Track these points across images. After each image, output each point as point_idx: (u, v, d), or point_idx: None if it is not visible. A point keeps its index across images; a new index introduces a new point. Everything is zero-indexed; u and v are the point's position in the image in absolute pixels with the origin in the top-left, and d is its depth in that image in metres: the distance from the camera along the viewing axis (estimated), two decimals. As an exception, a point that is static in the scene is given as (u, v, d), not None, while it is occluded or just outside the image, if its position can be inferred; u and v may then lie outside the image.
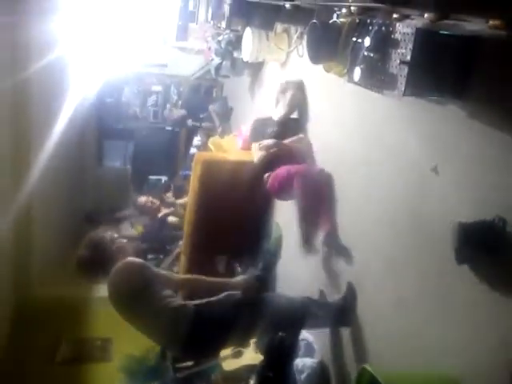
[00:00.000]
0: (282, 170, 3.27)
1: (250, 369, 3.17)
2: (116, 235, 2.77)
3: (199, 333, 2.50)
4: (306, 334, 3.13)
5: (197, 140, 6.17)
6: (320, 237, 3.05)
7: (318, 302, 2.93)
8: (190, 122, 6.40)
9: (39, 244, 4.88)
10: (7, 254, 4.38)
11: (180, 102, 6.68)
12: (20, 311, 4.56)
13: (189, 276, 2.88)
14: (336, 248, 2.91)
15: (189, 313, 2.51)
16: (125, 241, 2.78)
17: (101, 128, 6.83)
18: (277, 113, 3.63)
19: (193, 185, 4.15)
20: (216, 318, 2.52)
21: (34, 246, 4.82)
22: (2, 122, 4.15)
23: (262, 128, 3.76)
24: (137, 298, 2.53)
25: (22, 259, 4.65)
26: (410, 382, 1.93)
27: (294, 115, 3.67)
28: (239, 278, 2.81)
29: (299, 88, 3.60)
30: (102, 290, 4.82)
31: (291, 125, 3.61)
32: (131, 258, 2.60)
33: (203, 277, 2.66)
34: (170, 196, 5.63)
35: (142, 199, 5.39)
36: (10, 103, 4.24)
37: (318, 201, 3.06)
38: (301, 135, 3.49)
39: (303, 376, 2.86)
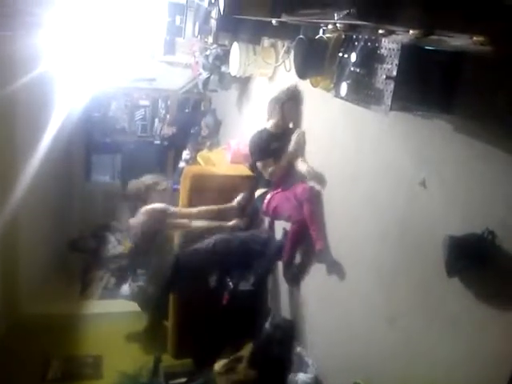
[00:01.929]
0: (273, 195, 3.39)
1: (244, 384, 3.15)
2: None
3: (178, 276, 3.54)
4: (299, 349, 3.11)
5: (185, 154, 6.15)
6: (313, 254, 3.08)
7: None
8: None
9: (26, 262, 4.82)
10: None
11: (168, 117, 6.69)
12: (9, 330, 4.49)
13: (199, 208, 3.82)
14: (329, 264, 2.91)
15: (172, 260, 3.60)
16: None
17: (89, 142, 6.81)
18: (273, 124, 3.53)
19: (182, 198, 4.14)
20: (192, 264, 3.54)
21: (20, 264, 4.76)
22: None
23: (261, 142, 3.65)
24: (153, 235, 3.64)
25: (9, 276, 4.59)
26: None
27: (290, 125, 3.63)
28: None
29: (294, 96, 3.58)
30: (92, 307, 4.77)
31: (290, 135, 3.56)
32: (155, 204, 3.65)
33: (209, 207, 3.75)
34: None
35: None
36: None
37: (308, 220, 3.07)
38: (289, 151, 3.45)
39: (297, 391, 2.84)
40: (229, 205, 3.95)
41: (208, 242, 3.56)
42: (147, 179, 4.81)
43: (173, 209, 3.89)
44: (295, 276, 3.32)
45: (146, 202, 4.14)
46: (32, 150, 4.62)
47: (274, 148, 3.48)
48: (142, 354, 4.34)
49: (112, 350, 4.47)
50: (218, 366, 3.23)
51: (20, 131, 4.59)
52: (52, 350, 4.53)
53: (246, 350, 3.12)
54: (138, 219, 3.83)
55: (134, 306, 4.72)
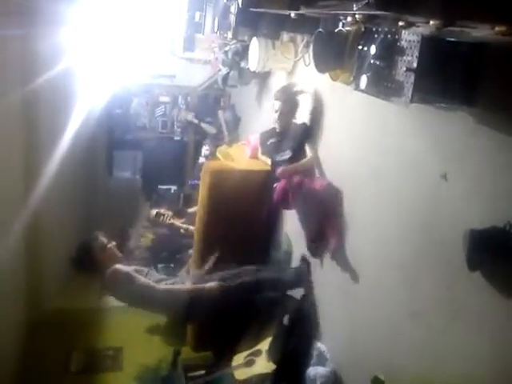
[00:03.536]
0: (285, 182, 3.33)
1: (262, 378, 3.16)
2: (106, 240, 3.19)
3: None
4: (318, 344, 3.12)
5: (205, 149, 6.19)
6: (328, 251, 3.08)
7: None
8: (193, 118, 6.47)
9: (49, 258, 4.91)
10: (18, 268, 4.42)
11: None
12: (32, 325, 4.59)
13: (167, 287, 3.15)
14: (349, 260, 2.91)
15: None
16: (114, 244, 3.22)
17: (110, 139, 6.90)
18: (274, 121, 3.72)
19: (202, 194, 4.16)
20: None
21: (44, 260, 4.85)
22: (12, 135, 4.19)
23: (267, 140, 3.80)
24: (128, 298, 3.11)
25: (33, 272, 4.68)
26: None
27: (302, 121, 3.67)
28: (210, 284, 3.16)
29: (287, 94, 3.68)
30: (113, 301, 4.85)
31: (297, 131, 3.60)
32: (118, 268, 3.03)
33: (179, 287, 3.13)
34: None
35: (154, 212, 5.41)
36: (19, 115, 4.29)
37: (323, 215, 3.07)
38: (310, 156, 3.48)
39: (316, 385, 2.85)
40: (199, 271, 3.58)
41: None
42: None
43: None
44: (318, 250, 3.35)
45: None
46: (54, 146, 4.70)
47: (270, 143, 3.73)
48: (161, 347, 4.39)
49: (132, 343, 4.54)
50: (237, 359, 3.25)
51: (43, 128, 4.68)
52: (74, 343, 4.63)
53: (265, 344, 3.13)
54: None
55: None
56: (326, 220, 3.06)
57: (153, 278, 3.16)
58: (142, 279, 3.05)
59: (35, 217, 4.44)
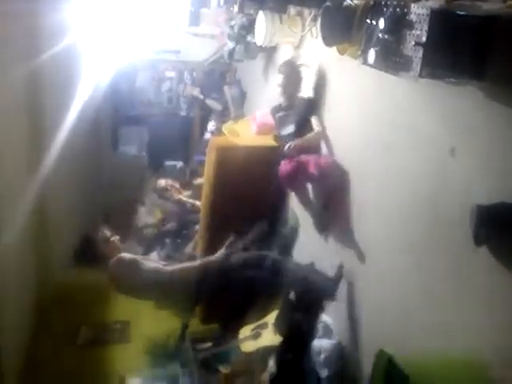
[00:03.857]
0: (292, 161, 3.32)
1: (268, 350, 3.22)
2: (109, 233, 3.07)
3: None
4: (324, 317, 3.16)
5: (211, 125, 6.18)
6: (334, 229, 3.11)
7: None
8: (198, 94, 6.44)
9: (57, 234, 4.96)
10: (26, 244, 4.47)
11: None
12: (42, 300, 4.67)
13: (177, 266, 3.09)
14: (350, 239, 2.93)
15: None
16: (118, 238, 3.09)
17: (116, 115, 6.89)
18: (280, 95, 3.73)
19: (207, 170, 4.17)
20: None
21: (51, 235, 4.90)
22: (17, 110, 4.19)
23: (275, 115, 3.80)
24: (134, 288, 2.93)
25: (42, 248, 4.74)
26: (430, 366, 1.94)
27: (307, 95, 3.67)
28: (216, 255, 3.12)
29: (290, 68, 3.68)
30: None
31: (302, 105, 3.60)
32: (122, 256, 2.91)
33: (187, 264, 3.06)
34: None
35: (162, 182, 5.42)
36: (24, 91, 4.28)
37: (328, 193, 3.09)
38: (317, 131, 3.47)
39: (321, 357, 2.90)
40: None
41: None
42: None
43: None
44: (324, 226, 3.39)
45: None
46: (60, 122, 4.70)
47: (277, 118, 3.72)
48: (169, 321, 4.46)
49: (140, 316, 4.62)
50: (244, 331, 3.31)
51: (48, 103, 4.67)
52: (82, 317, 4.72)
53: (272, 317, 3.18)
54: None
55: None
56: (331, 198, 3.06)
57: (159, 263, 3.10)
58: (148, 263, 2.96)
59: (42, 194, 4.47)
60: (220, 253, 3.09)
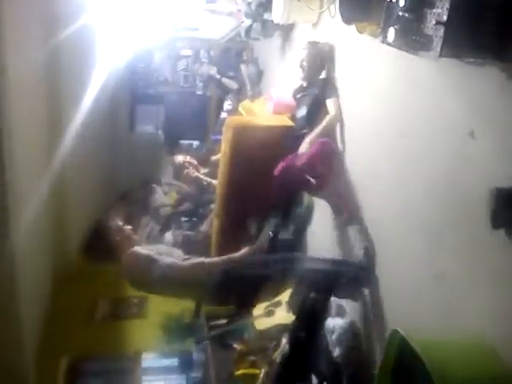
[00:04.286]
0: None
1: (281, 328, 3.26)
2: (121, 223, 2.86)
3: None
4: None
5: (227, 104, 6.16)
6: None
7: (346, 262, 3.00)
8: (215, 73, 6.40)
9: (74, 212, 5.04)
10: (45, 221, 4.55)
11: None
12: (60, 276, 4.78)
13: (192, 261, 2.90)
14: (366, 222, 2.92)
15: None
16: (129, 227, 2.87)
17: (133, 93, 6.90)
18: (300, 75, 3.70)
19: (224, 150, 4.18)
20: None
21: (69, 215, 4.98)
22: (35, 92, 4.23)
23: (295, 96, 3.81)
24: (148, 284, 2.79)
25: (60, 224, 4.83)
26: (443, 347, 1.95)
27: (324, 76, 3.64)
28: (241, 252, 2.93)
29: (315, 49, 3.63)
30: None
31: (318, 86, 3.57)
32: (136, 251, 2.73)
33: (205, 259, 2.83)
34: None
35: (179, 158, 5.42)
36: (42, 73, 4.31)
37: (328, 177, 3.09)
38: (332, 115, 3.40)
39: (334, 336, 2.93)
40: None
41: None
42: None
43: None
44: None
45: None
46: (77, 101, 4.73)
47: (297, 99, 3.71)
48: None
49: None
50: (258, 309, 3.35)
51: (65, 83, 4.70)
52: (100, 292, 4.82)
53: (285, 295, 3.21)
54: None
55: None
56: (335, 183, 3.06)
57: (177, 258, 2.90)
58: (163, 259, 2.77)
59: (59, 175, 4.53)
60: (243, 251, 2.92)
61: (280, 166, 3.27)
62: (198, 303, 4.13)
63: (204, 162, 5.49)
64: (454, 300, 2.17)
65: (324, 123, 3.37)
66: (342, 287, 2.87)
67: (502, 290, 1.88)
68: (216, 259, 2.91)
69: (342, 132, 3.37)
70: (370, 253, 2.85)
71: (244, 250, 2.89)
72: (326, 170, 3.17)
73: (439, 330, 2.25)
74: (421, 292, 2.44)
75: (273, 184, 3.26)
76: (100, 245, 2.80)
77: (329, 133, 3.41)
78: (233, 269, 2.74)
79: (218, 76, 6.43)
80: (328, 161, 3.21)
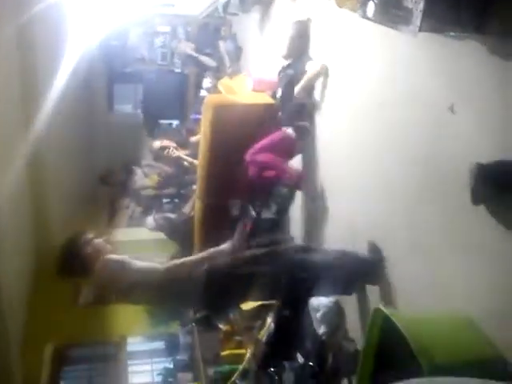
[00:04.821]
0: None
1: (267, 308, 3.27)
2: (91, 235, 2.65)
3: None
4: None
5: (207, 82, 6.05)
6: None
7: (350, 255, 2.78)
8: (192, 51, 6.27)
9: (55, 196, 4.95)
10: (23, 205, 4.46)
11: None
12: (42, 262, 4.70)
13: (172, 262, 2.68)
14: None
15: None
16: (101, 239, 2.67)
17: (109, 72, 6.73)
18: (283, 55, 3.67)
19: (204, 129, 4.11)
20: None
21: (49, 198, 4.89)
22: (9, 70, 4.09)
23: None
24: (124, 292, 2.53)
25: (38, 208, 4.74)
26: (423, 322, 1.95)
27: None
28: (222, 246, 2.68)
29: (303, 26, 3.56)
30: (119, 235, 4.93)
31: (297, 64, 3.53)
32: (108, 257, 2.53)
33: (186, 258, 2.61)
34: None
35: (157, 144, 5.34)
36: (14, 52, 4.16)
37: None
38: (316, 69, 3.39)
39: (319, 314, 2.94)
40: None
41: None
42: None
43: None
44: None
45: None
46: (52, 81, 4.59)
47: (280, 77, 3.66)
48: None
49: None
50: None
51: (39, 62, 4.55)
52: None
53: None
54: None
55: (160, 235, 4.86)
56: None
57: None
58: (139, 263, 2.53)
59: (37, 154, 4.42)
60: (229, 243, 2.66)
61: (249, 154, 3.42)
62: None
63: (183, 143, 5.40)
64: (432, 273, 2.18)
65: (309, 74, 3.38)
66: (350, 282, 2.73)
67: (479, 264, 1.89)
68: (197, 256, 2.64)
69: (324, 86, 3.34)
70: (376, 249, 2.67)
71: (225, 245, 2.64)
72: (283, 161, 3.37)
73: (422, 307, 2.26)
74: (399, 266, 2.46)
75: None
76: (73, 261, 2.58)
77: (313, 83, 3.43)
78: (214, 268, 2.49)
79: (196, 54, 6.28)
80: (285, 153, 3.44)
